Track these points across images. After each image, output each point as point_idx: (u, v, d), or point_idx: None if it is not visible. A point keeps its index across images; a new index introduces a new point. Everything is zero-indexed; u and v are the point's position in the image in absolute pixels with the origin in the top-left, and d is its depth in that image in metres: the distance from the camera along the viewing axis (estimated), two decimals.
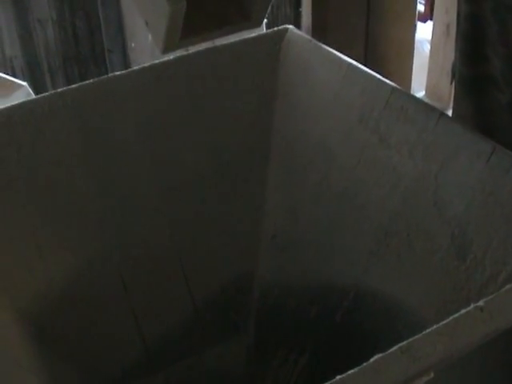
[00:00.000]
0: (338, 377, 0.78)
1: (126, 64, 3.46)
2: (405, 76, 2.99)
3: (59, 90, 1.41)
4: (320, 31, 2.90)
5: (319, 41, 1.48)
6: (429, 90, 3.83)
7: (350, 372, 0.78)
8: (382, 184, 1.30)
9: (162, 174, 1.49)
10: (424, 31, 4.39)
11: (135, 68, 1.48)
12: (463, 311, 0.88)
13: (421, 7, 4.70)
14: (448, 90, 3.61)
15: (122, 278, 1.48)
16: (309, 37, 1.52)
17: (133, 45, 3.36)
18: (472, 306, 0.89)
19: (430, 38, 3.87)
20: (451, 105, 2.75)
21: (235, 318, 1.56)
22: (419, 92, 3.86)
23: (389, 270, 1.28)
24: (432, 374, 0.99)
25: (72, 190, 1.43)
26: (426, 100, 3.36)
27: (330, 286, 1.39)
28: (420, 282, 1.24)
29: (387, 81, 1.34)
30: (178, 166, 1.50)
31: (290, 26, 1.53)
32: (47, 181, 1.41)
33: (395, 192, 1.28)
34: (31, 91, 2.17)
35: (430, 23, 4.38)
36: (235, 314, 1.56)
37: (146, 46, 3.13)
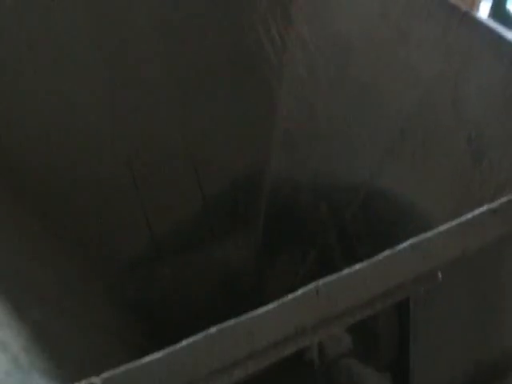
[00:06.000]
0: (346, 270, 0.77)
1: None
2: None
3: None
4: None
5: None
6: None
7: (358, 265, 0.77)
8: (401, 82, 1.27)
9: (174, 62, 1.46)
10: None
11: None
12: (476, 212, 0.86)
13: None
14: None
15: (132, 171, 1.47)
16: None
17: None
18: (485, 207, 0.87)
19: None
20: (474, 8, 2.68)
21: (245, 214, 1.55)
22: None
23: (402, 170, 1.26)
24: (440, 277, 0.98)
25: (83, 75, 1.39)
26: None
27: (342, 184, 1.38)
28: (433, 184, 1.22)
29: None
30: (191, 55, 1.46)
31: None
32: (58, 66, 1.38)
33: (413, 91, 1.25)
34: None
35: None
36: (245, 210, 1.55)
37: None
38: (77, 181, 1.42)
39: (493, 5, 2.50)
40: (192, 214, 1.54)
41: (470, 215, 0.86)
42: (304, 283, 1.45)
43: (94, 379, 0.73)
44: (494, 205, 0.87)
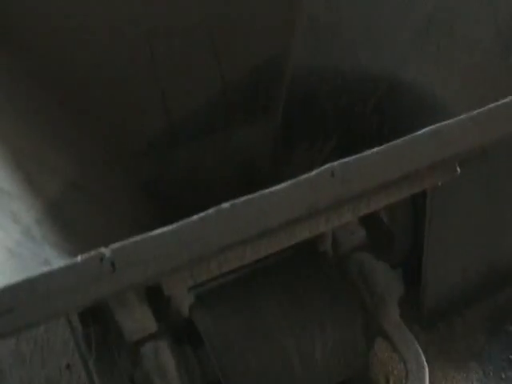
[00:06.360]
0: (363, 153, 0.76)
1: None
2: None
3: None
4: None
5: None
6: None
7: (376, 149, 0.76)
8: None
9: None
10: None
11: None
12: (500, 102, 0.84)
13: None
14: None
15: (152, 54, 1.44)
16: None
17: None
18: (510, 98, 0.85)
19: None
20: None
21: (264, 101, 1.53)
22: None
23: (427, 61, 1.23)
24: (458, 170, 0.97)
25: None
26: None
27: (365, 74, 1.34)
28: (458, 76, 1.19)
29: None
30: None
31: None
32: None
33: None
34: None
35: None
36: (265, 97, 1.52)
37: None
38: (94, 61, 1.40)
39: None
40: (211, 99, 1.52)
41: (493, 105, 0.84)
42: None
43: (104, 250, 0.72)
44: None
